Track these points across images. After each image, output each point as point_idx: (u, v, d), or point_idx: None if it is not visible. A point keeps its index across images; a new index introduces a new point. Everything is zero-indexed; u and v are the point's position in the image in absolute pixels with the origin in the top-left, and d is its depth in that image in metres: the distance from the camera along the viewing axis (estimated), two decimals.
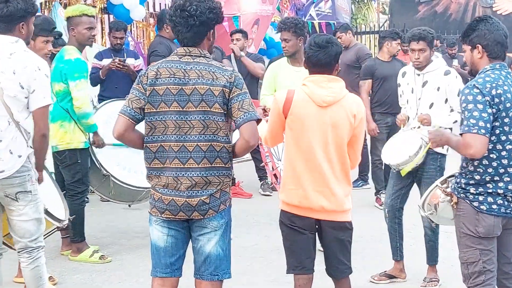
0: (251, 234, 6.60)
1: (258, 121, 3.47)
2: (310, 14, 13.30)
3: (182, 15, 3.39)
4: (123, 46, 7.77)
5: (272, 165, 5.88)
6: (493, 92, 3.54)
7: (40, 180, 4.20)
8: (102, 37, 9.02)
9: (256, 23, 10.60)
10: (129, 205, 6.43)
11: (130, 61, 7.52)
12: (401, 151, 5.04)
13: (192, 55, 3.44)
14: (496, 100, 3.54)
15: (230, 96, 3.39)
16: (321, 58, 3.83)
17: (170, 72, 3.41)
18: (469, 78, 7.86)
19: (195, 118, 3.38)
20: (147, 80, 3.42)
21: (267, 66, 8.89)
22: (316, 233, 3.97)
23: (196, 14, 3.36)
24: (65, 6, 7.47)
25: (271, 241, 6.19)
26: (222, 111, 3.39)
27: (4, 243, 4.30)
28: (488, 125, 3.50)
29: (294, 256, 3.96)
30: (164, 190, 3.47)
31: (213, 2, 3.43)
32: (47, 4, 7.57)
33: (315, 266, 3.99)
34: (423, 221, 5.09)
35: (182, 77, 3.39)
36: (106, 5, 8.60)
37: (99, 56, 7.59)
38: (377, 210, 7.23)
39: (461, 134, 3.58)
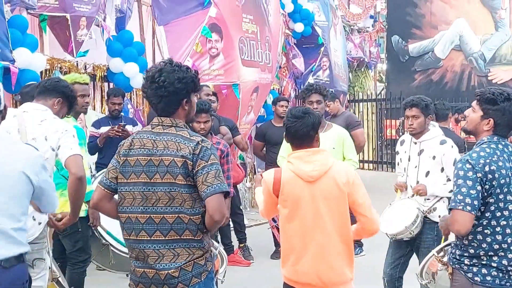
0: None
1: (227, 193, 3.34)
2: (309, 82, 13.46)
3: (151, 87, 3.38)
4: (121, 113, 7.82)
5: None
6: (486, 168, 3.51)
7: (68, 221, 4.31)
8: (102, 105, 9.11)
9: (256, 90, 10.71)
10: (127, 274, 6.32)
11: (128, 128, 7.55)
12: (397, 221, 5.03)
13: (164, 125, 3.41)
14: (490, 176, 3.50)
15: (195, 170, 3.29)
16: (298, 129, 3.88)
17: (141, 143, 3.40)
18: None
19: (161, 189, 3.31)
20: (122, 151, 3.43)
21: (256, 132, 9.01)
22: None
23: (165, 84, 3.34)
24: (65, 74, 7.55)
25: None
26: (186, 182, 3.30)
27: None
28: (476, 202, 3.47)
29: None
30: (135, 263, 3.41)
31: (184, 72, 3.39)
32: (48, 72, 7.68)
33: None
34: None
35: (151, 147, 3.36)
36: (106, 74, 8.71)
37: (97, 124, 7.62)
38: (375, 279, 7.14)
39: (450, 210, 3.57)
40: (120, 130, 7.25)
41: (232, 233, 8.38)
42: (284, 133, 4.01)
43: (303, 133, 3.88)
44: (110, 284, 6.98)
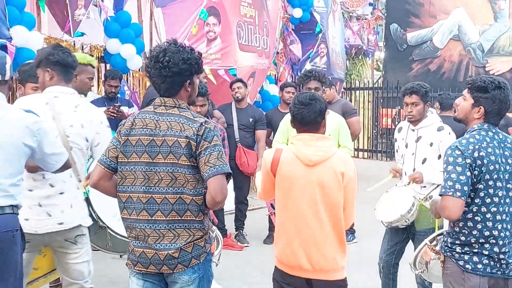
0: (243, 287, 6.52)
1: (229, 174, 3.35)
2: (306, 69, 13.44)
3: (155, 66, 3.37)
4: (117, 95, 7.80)
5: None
6: (475, 154, 3.51)
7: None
8: (98, 86, 9.09)
9: (252, 76, 10.69)
10: (120, 255, 6.34)
11: (123, 110, 7.53)
12: (393, 209, 5.03)
13: (166, 106, 3.41)
14: (479, 162, 3.51)
15: (198, 150, 3.30)
16: (305, 115, 3.84)
17: (144, 123, 3.39)
18: None
19: (164, 170, 3.32)
20: (123, 130, 3.42)
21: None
22: None
23: (169, 65, 3.34)
24: None
25: None
26: (189, 163, 3.30)
27: None
28: (465, 188, 3.47)
29: None
30: (135, 242, 3.42)
31: (188, 53, 3.39)
32: None
33: None
34: (416, 278, 5.05)
35: (154, 128, 3.36)
36: (103, 54, 8.66)
37: (93, 105, 7.61)
38: (366, 266, 7.17)
39: (441, 195, 3.57)
40: (115, 111, 7.24)
41: (228, 218, 8.41)
42: (290, 119, 3.98)
43: (310, 120, 3.84)
44: (102, 264, 6.98)
